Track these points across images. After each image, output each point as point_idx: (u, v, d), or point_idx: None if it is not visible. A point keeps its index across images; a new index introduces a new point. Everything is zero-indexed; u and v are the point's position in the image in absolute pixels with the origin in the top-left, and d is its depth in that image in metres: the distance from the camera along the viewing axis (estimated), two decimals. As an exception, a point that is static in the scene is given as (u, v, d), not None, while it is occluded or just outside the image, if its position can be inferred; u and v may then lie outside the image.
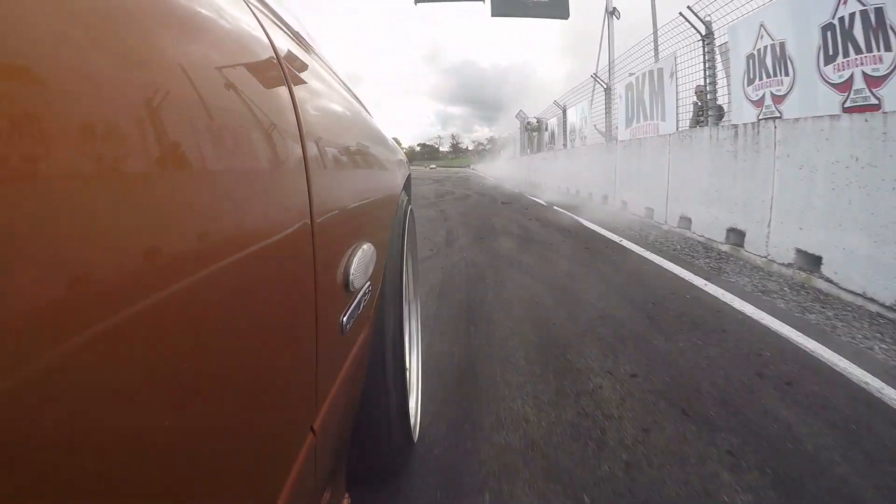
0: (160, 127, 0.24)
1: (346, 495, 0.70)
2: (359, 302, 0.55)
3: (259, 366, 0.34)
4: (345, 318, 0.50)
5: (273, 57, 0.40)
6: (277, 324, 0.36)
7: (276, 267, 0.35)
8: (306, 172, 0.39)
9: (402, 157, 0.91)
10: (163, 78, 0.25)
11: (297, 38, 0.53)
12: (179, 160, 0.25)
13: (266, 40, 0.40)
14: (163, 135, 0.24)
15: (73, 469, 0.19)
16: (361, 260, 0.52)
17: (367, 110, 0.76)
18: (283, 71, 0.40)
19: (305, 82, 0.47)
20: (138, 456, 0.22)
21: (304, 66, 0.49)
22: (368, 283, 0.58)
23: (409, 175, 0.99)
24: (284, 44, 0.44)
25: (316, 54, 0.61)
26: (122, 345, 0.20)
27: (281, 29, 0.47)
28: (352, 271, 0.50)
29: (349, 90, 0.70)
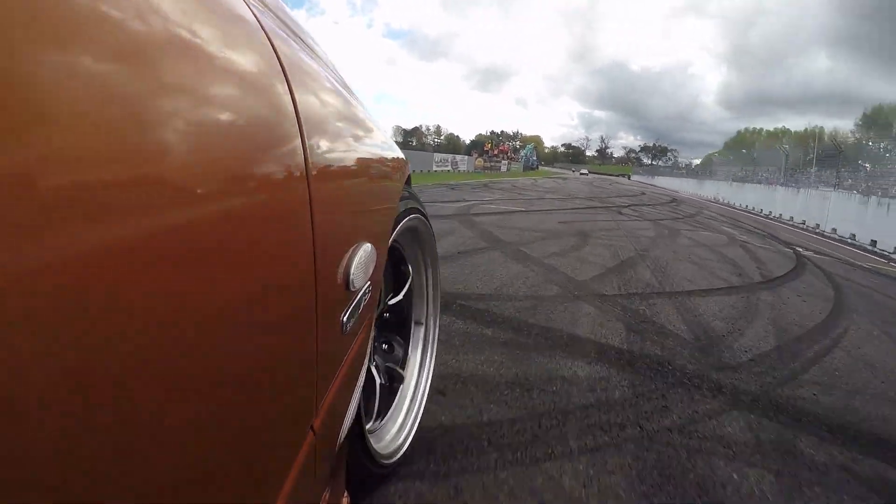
0: (160, 127, 0.24)
1: (346, 494, 0.70)
2: (359, 302, 0.55)
3: (259, 365, 0.34)
4: (345, 318, 0.51)
5: (273, 56, 0.40)
6: (277, 323, 0.36)
7: (276, 266, 0.35)
8: (307, 172, 0.39)
9: (402, 156, 0.91)
10: (162, 78, 0.25)
11: (296, 37, 0.53)
12: (179, 160, 0.25)
13: (266, 40, 0.40)
14: (163, 135, 0.24)
15: (73, 468, 0.19)
16: (361, 259, 0.52)
17: (365, 109, 0.76)
18: (283, 70, 0.40)
19: (305, 81, 0.47)
20: (140, 454, 0.22)
21: (303, 65, 0.49)
22: (369, 282, 0.58)
23: (410, 175, 0.99)
24: (284, 43, 0.44)
25: (315, 53, 0.61)
26: (123, 344, 0.20)
27: (280, 28, 0.47)
28: (352, 271, 0.50)
29: (348, 89, 0.70)
